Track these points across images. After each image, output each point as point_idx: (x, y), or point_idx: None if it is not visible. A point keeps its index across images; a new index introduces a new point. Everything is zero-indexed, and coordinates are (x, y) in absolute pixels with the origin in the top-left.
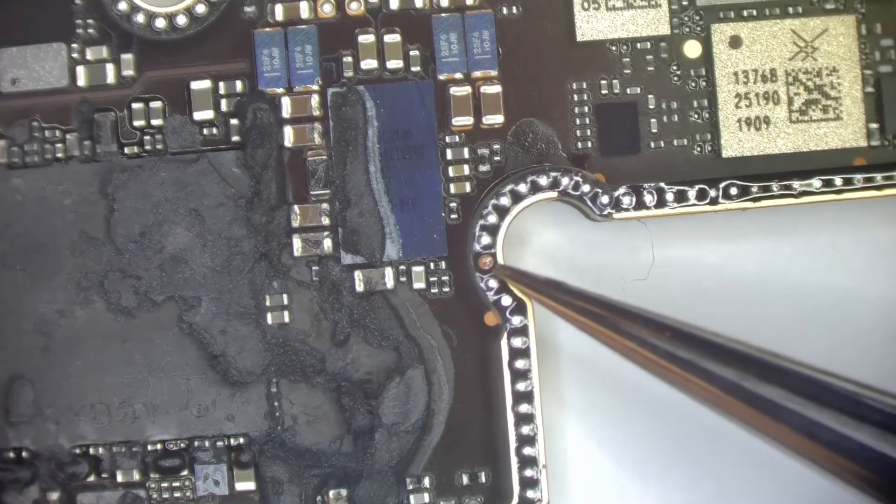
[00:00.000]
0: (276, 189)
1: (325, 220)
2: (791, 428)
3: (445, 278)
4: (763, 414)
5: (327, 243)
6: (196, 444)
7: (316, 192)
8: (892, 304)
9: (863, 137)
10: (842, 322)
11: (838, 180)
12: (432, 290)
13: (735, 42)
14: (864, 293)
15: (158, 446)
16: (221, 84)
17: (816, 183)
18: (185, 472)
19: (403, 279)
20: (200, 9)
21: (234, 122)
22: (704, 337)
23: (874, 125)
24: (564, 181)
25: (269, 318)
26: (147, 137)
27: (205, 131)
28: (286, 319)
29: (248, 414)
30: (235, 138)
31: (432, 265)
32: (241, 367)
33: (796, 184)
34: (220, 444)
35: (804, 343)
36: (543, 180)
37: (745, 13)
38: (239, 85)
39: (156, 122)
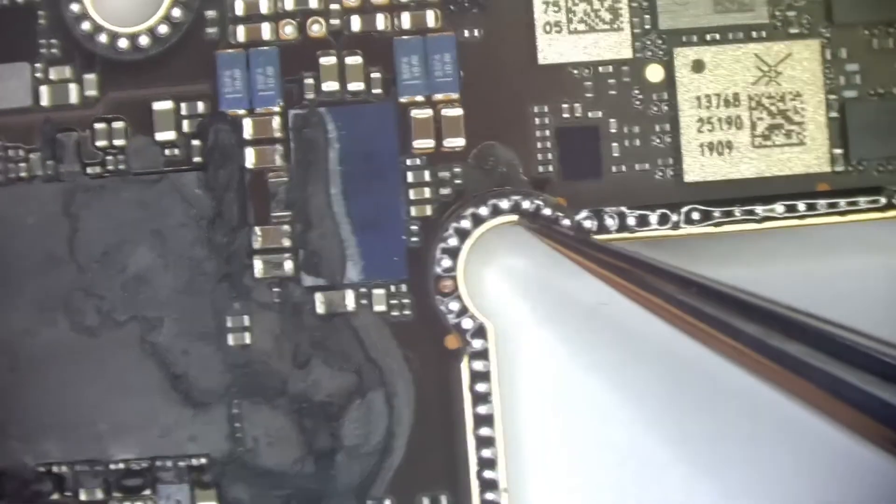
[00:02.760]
0: (237, 210)
1: (287, 242)
2: (815, 385)
3: (406, 301)
4: (788, 370)
5: (288, 265)
6: (158, 464)
7: (277, 214)
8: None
9: (827, 163)
10: None
11: (801, 206)
12: (393, 313)
13: (698, 66)
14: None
15: (121, 465)
16: (183, 105)
17: (779, 208)
18: (147, 492)
19: (364, 302)
20: (163, 29)
21: (196, 143)
22: (731, 293)
23: (838, 151)
24: (525, 204)
25: (231, 340)
26: (110, 158)
27: (167, 152)
28: (248, 341)
29: (210, 434)
30: (197, 159)
31: (393, 288)
32: (203, 387)
33: (759, 209)
34: (182, 464)
35: None
36: (504, 203)
37: (708, 37)
38: (201, 106)
39: (118, 142)
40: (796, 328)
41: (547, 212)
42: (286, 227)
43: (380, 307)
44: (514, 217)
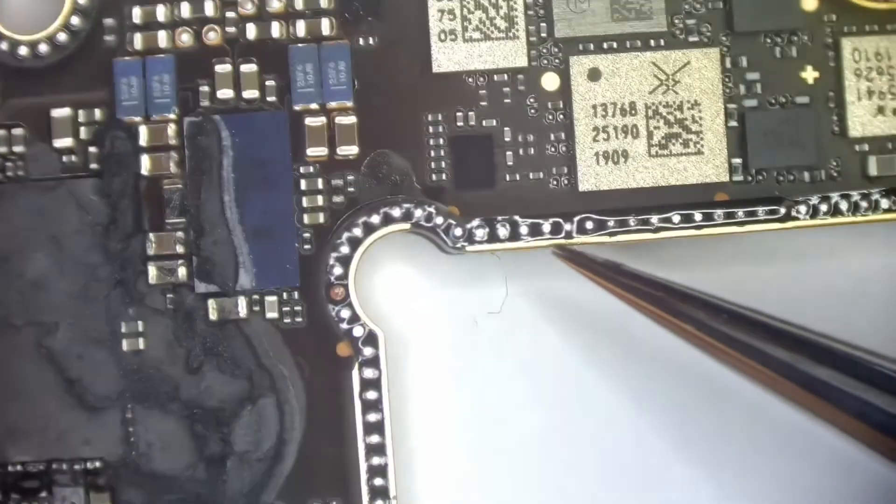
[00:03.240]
0: (132, 217)
1: (180, 249)
2: (843, 410)
3: (298, 308)
4: (816, 396)
5: (182, 271)
6: (54, 466)
7: (171, 221)
8: None
9: (725, 172)
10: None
11: (698, 215)
12: (285, 320)
13: (594, 75)
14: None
15: (19, 468)
16: (81, 112)
17: (675, 218)
18: (44, 494)
19: (257, 308)
20: (62, 37)
21: (93, 150)
22: (761, 320)
23: (737, 160)
24: (417, 213)
25: (125, 345)
26: (9, 164)
27: (64, 159)
28: (141, 346)
29: (105, 438)
30: (94, 166)
31: (285, 295)
32: (97, 392)
33: (654, 218)
34: (77, 467)
35: (660, 382)
36: (396, 212)
37: (605, 46)
38: (98, 113)
39: (17, 148)
40: (825, 353)
41: (439, 220)
42: (180, 234)
43: (272, 314)
44: (406, 225)
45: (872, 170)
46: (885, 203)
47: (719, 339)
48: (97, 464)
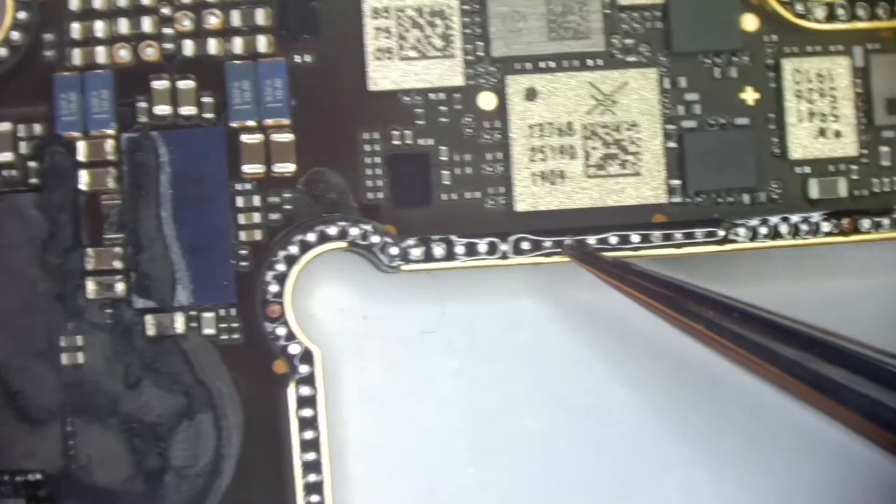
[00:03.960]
0: (71, 232)
1: (118, 264)
2: (853, 409)
3: (235, 325)
4: (826, 395)
5: (120, 287)
6: None
7: (109, 236)
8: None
9: (663, 194)
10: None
11: (635, 237)
12: (222, 337)
13: (531, 94)
14: (655, 354)
15: None
16: (21, 126)
17: (612, 239)
18: None
19: (194, 324)
20: (2, 51)
21: (33, 164)
22: (770, 318)
23: (675, 182)
24: (353, 231)
25: (64, 359)
26: None
27: (4, 173)
28: (80, 360)
29: (46, 451)
30: (34, 180)
31: (222, 311)
32: (37, 405)
33: (591, 239)
34: (18, 479)
35: (599, 395)
36: (332, 230)
37: (542, 65)
38: (38, 128)
39: None
40: (835, 352)
41: (375, 239)
42: (118, 250)
43: (209, 330)
44: (342, 243)
45: (813, 192)
46: (826, 226)
47: (729, 337)
48: (38, 476)
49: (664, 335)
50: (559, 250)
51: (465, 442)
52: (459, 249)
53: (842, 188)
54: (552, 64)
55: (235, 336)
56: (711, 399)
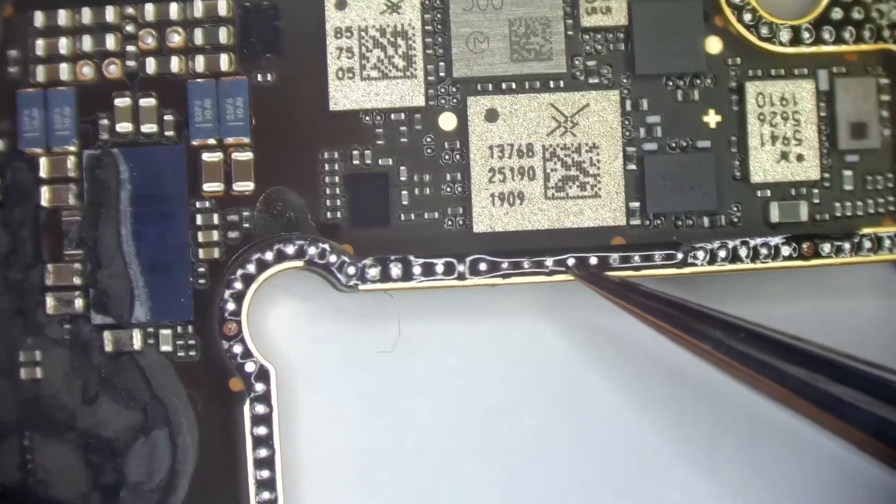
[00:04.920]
0: (32, 247)
1: (78, 280)
2: (859, 427)
3: (192, 342)
4: (832, 413)
5: (79, 303)
6: None
7: (69, 253)
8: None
9: (623, 216)
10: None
11: (593, 259)
12: (179, 354)
13: (491, 115)
14: (613, 377)
15: None
16: None
17: (570, 261)
18: None
19: (151, 341)
20: None
21: None
22: (776, 338)
23: (635, 204)
24: (311, 251)
25: (23, 373)
26: None
27: None
28: (39, 375)
29: (4, 464)
30: None
31: (179, 328)
32: None
33: (549, 261)
34: None
35: (553, 416)
36: (290, 249)
37: (503, 86)
38: (1, 144)
39: None
40: (841, 371)
41: (332, 258)
42: (78, 266)
43: (166, 347)
44: (300, 262)
45: (774, 216)
46: (786, 250)
47: (736, 357)
48: None
49: (663, 337)
50: (517, 272)
51: (422, 461)
52: (416, 270)
53: (803, 212)
54: (514, 85)
55: (192, 353)
56: (710, 400)
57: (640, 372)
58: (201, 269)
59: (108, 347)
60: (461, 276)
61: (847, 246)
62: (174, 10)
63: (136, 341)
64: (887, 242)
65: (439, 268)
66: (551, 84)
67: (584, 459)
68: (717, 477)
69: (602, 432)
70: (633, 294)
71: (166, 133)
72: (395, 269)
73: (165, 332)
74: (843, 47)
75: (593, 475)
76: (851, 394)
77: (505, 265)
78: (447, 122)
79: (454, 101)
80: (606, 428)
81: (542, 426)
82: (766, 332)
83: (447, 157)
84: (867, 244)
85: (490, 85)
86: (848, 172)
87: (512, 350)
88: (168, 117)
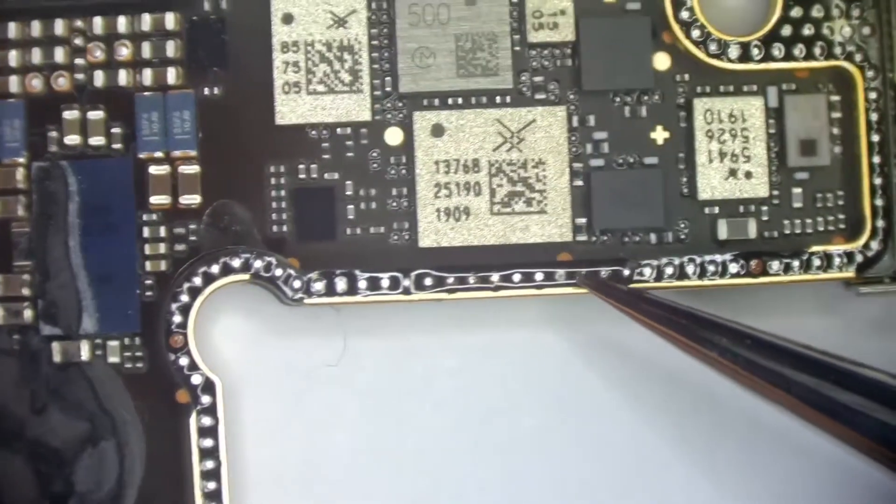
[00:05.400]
0: None
1: (27, 291)
2: (868, 435)
3: (139, 354)
4: (840, 421)
5: (28, 314)
6: None
7: (18, 264)
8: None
9: (569, 232)
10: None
11: (539, 275)
12: (126, 366)
13: (437, 130)
14: (563, 391)
15: None
16: None
17: (516, 277)
18: None
19: (99, 353)
20: None
21: None
22: (784, 345)
23: (581, 220)
24: (257, 264)
25: None
26: None
27: None
28: None
29: None
30: None
31: (127, 340)
32: None
33: (495, 276)
34: None
35: (497, 434)
36: (236, 262)
37: (449, 101)
38: None
39: None
40: (849, 378)
41: (278, 272)
42: (26, 277)
43: (114, 359)
44: (246, 276)
45: (722, 233)
46: (733, 268)
47: (743, 365)
48: None
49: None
50: (463, 287)
51: (368, 475)
52: (362, 284)
53: (751, 229)
54: (460, 100)
55: (139, 365)
56: (711, 400)
57: (640, 372)
58: (148, 282)
59: (57, 358)
60: (406, 291)
61: (796, 264)
62: (122, 24)
63: (84, 352)
64: (837, 260)
65: (385, 282)
66: (498, 99)
67: (584, 460)
68: (717, 479)
69: (602, 433)
70: (642, 303)
71: (114, 146)
72: (341, 284)
73: (113, 343)
74: (794, 64)
75: (593, 476)
76: (858, 400)
77: (450, 280)
78: (393, 136)
79: (400, 115)
80: (606, 429)
81: (541, 427)
82: (772, 340)
83: (393, 171)
84: (816, 262)
85: (436, 100)
86: (797, 190)
87: (510, 353)
88: (116, 130)
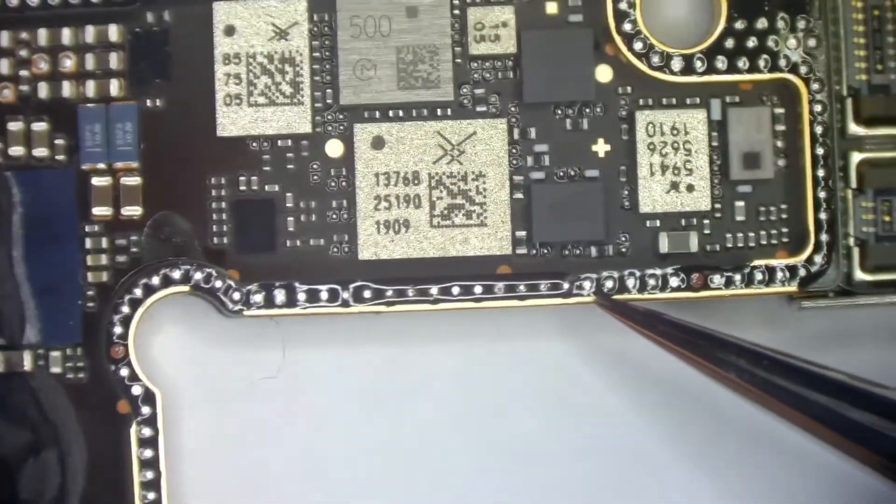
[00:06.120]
0: None
1: None
2: (884, 454)
3: (81, 364)
4: (856, 441)
5: None
6: None
7: None
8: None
9: (508, 245)
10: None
11: (478, 288)
12: (68, 376)
13: (378, 143)
14: (514, 406)
15: None
16: None
17: (455, 290)
18: None
19: (42, 363)
20: None
21: None
22: (800, 366)
23: (521, 233)
24: (197, 276)
25: None
26: None
27: None
28: None
29: None
30: None
31: (69, 351)
32: None
33: (434, 289)
34: None
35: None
36: (176, 274)
37: (391, 114)
38: None
39: None
40: (865, 398)
41: (218, 284)
42: None
43: (56, 369)
44: (186, 287)
45: (663, 247)
46: (674, 281)
47: (759, 385)
48: None
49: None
50: (402, 300)
51: (307, 486)
52: (301, 296)
53: (693, 243)
54: (401, 113)
55: (81, 375)
56: (711, 401)
57: (639, 373)
58: (90, 293)
59: (0, 368)
60: (345, 303)
61: (738, 278)
62: (66, 36)
63: (27, 362)
64: (780, 275)
65: (324, 294)
66: (438, 112)
67: (584, 461)
68: (718, 479)
69: (602, 434)
70: (657, 323)
71: (58, 157)
72: (280, 296)
73: (55, 353)
74: (738, 76)
75: (592, 476)
76: (875, 420)
77: (389, 293)
78: (334, 149)
79: (341, 128)
80: (606, 429)
81: (540, 431)
82: (788, 360)
83: (333, 184)
84: (759, 276)
85: (377, 112)
86: (740, 203)
87: (450, 366)
88: (60, 141)
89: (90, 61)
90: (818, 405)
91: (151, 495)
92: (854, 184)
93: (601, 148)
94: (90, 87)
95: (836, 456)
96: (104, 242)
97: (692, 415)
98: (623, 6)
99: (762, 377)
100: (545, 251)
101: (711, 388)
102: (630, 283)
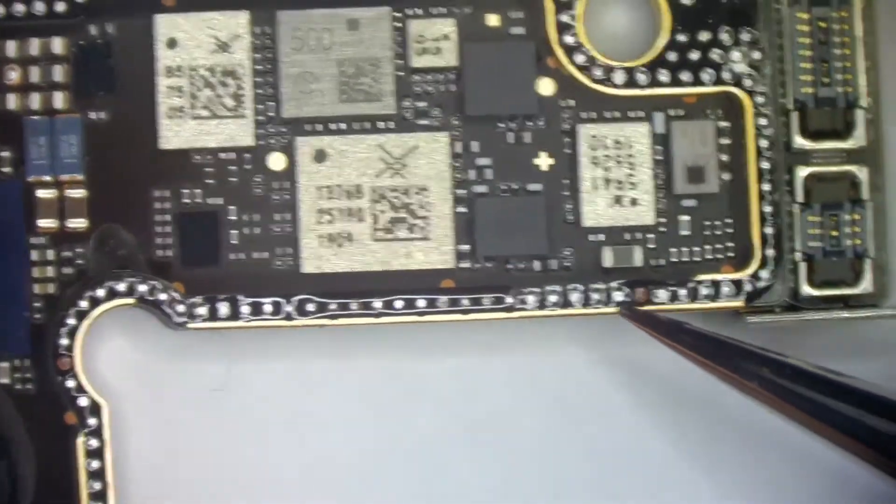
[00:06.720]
0: None
1: None
2: None
3: (29, 376)
4: (882, 453)
5: None
6: None
7: None
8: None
9: (451, 259)
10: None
11: (421, 302)
12: (17, 387)
13: (320, 156)
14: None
15: None
16: None
17: (398, 304)
18: None
19: None
20: None
21: None
22: (824, 376)
23: (464, 247)
24: (141, 288)
25: None
26: None
27: None
28: None
29: None
30: None
31: (17, 362)
32: None
33: (377, 303)
34: None
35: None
36: (121, 286)
37: (332, 126)
38: None
39: None
40: (890, 409)
41: (162, 296)
42: None
43: (4, 380)
44: (131, 300)
45: (607, 261)
46: (618, 296)
47: (783, 395)
48: None
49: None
50: (345, 313)
51: (259, 498)
52: (245, 309)
53: (637, 257)
54: (343, 126)
55: (29, 386)
56: (711, 401)
57: (639, 374)
58: (37, 304)
59: None
60: (289, 317)
61: (683, 292)
62: (11, 48)
63: None
64: (725, 289)
65: (267, 307)
66: (381, 125)
67: (583, 462)
68: (718, 479)
69: (600, 435)
70: (681, 334)
71: (4, 169)
72: (224, 308)
73: (4, 364)
74: (681, 90)
75: (592, 478)
76: None
77: (333, 306)
78: (276, 162)
79: (283, 141)
80: (606, 430)
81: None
82: (811, 370)
83: (276, 197)
84: (704, 291)
85: (319, 125)
86: (685, 217)
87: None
88: (6, 153)
89: (35, 74)
90: (842, 415)
91: None
92: (801, 198)
93: (544, 161)
94: (35, 100)
95: (861, 466)
96: (50, 254)
97: (692, 415)
98: (565, 18)
99: (785, 387)
100: (489, 265)
101: (711, 388)
102: (574, 297)
